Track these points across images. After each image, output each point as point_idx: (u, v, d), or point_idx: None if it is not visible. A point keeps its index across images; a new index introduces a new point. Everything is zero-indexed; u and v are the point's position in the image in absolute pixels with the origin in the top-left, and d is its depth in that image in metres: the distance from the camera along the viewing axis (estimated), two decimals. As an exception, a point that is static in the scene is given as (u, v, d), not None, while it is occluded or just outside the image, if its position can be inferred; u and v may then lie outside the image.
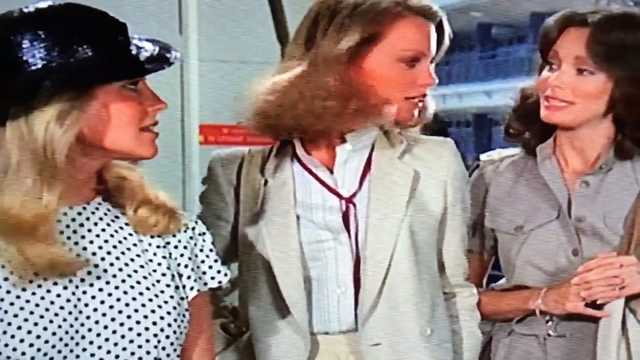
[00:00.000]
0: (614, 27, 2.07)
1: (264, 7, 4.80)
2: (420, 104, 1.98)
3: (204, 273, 1.69)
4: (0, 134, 1.50)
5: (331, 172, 1.98)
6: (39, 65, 1.48)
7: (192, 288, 1.66)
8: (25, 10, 1.52)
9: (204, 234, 1.71)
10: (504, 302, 2.18)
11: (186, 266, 1.66)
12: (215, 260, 1.71)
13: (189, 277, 1.66)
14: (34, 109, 1.48)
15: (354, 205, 1.96)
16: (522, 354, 2.15)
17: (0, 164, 1.49)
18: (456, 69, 30.70)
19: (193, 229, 1.69)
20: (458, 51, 32.63)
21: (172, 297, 1.60)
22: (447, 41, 2.01)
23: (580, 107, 2.09)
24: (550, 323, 2.12)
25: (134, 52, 1.54)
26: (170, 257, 1.64)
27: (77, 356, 1.52)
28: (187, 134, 5.11)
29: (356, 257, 1.95)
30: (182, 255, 1.66)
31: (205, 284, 1.69)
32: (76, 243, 1.56)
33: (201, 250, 1.69)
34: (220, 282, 1.71)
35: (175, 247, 1.66)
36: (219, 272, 1.71)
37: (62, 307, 1.51)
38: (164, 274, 1.62)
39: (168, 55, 1.57)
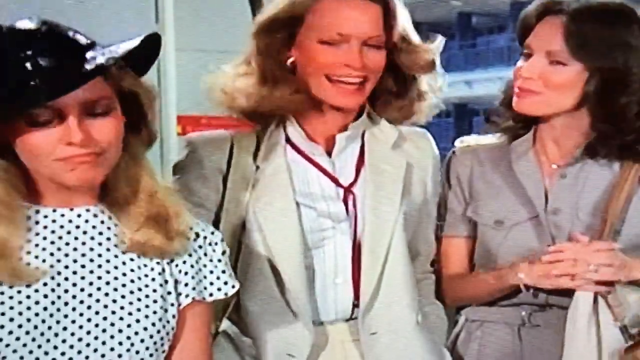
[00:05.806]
0: (590, 17, 2.05)
1: (242, -4, 4.77)
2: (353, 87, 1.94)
3: (211, 284, 1.66)
4: None
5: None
6: None
7: (187, 295, 1.63)
8: None
9: (216, 244, 1.67)
10: (481, 281, 2.14)
11: (186, 273, 1.63)
12: (223, 272, 1.67)
13: (186, 285, 1.63)
14: None
15: (353, 194, 1.96)
16: (496, 344, 2.13)
17: None
18: (436, 59, 30.71)
19: (205, 237, 1.65)
20: (438, 41, 32.71)
21: (155, 301, 1.57)
22: (400, 23, 1.98)
23: (548, 98, 2.08)
24: (534, 297, 2.08)
25: (29, 68, 1.45)
26: (169, 261, 1.61)
27: (55, 347, 1.50)
28: (165, 124, 5.06)
29: (354, 246, 1.95)
30: (184, 262, 1.62)
31: (211, 294, 1.66)
32: (52, 242, 1.54)
33: (211, 261, 1.66)
34: (226, 294, 1.68)
35: (177, 253, 1.62)
36: (225, 283, 1.67)
37: (37, 302, 1.49)
38: (153, 279, 1.58)
39: (74, 64, 1.47)
